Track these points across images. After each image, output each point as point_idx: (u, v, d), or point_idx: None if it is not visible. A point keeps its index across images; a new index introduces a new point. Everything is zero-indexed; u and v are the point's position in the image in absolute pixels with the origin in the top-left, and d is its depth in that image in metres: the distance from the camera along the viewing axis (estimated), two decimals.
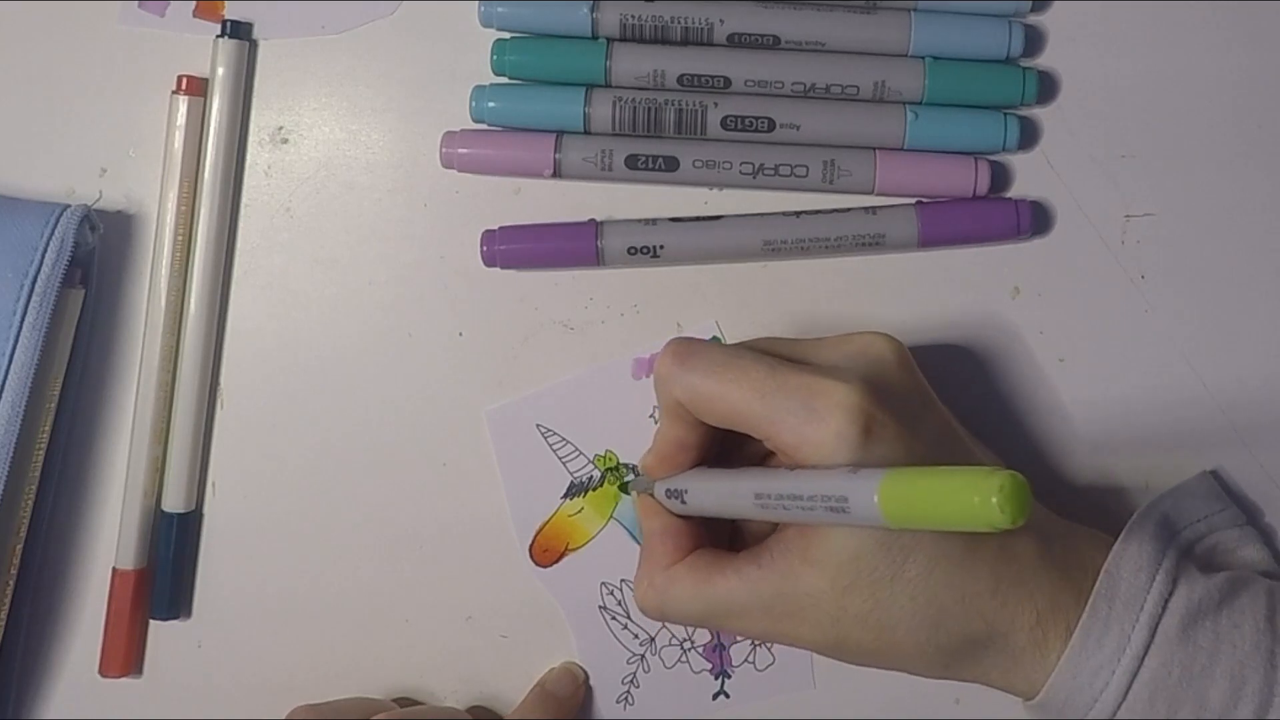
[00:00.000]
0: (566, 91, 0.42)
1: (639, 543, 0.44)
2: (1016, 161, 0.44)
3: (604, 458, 0.44)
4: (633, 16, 0.42)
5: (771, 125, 0.42)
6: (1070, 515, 0.39)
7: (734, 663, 0.44)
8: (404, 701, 0.44)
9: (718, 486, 0.37)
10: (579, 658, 0.44)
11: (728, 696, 0.44)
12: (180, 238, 0.43)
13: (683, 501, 0.38)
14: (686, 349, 0.37)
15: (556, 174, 0.43)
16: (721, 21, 0.42)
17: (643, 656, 0.44)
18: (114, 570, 0.44)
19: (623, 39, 0.42)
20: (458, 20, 0.44)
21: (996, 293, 0.44)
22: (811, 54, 0.42)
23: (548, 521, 0.44)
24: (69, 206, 0.42)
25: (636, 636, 0.44)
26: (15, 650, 0.43)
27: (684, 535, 0.38)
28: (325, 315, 0.45)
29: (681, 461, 0.39)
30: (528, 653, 0.44)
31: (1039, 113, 0.44)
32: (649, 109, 0.42)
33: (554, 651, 0.45)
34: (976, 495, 0.27)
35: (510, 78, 0.43)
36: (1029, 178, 0.44)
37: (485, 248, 0.43)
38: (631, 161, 0.42)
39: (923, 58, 0.42)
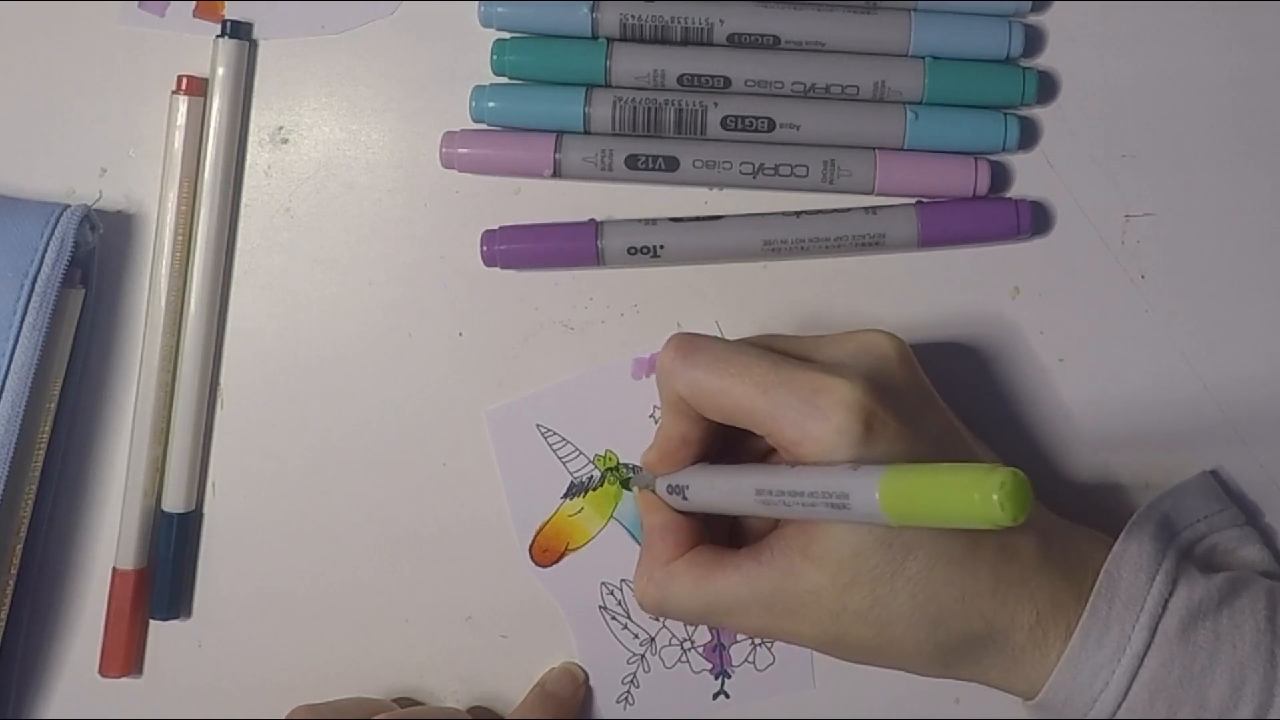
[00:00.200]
0: (566, 91, 0.42)
1: (639, 543, 0.44)
2: (1016, 161, 0.44)
3: (604, 458, 0.44)
4: (633, 16, 0.42)
5: (771, 125, 0.42)
6: (1070, 515, 0.39)
7: (734, 662, 0.44)
8: (404, 701, 0.44)
9: (719, 482, 0.37)
10: (579, 658, 0.44)
11: (728, 696, 0.44)
12: (180, 238, 0.43)
13: (684, 497, 0.38)
14: (689, 344, 0.37)
15: (556, 174, 0.43)
16: (721, 21, 0.42)
17: (643, 656, 0.44)
18: (114, 570, 0.44)
19: (623, 39, 0.42)
20: (458, 20, 0.44)
21: (996, 293, 0.44)
22: (811, 54, 0.42)
23: (548, 521, 0.44)
24: (69, 206, 0.42)
25: (637, 636, 0.44)
26: (15, 650, 0.43)
27: (684, 531, 0.39)
28: (325, 315, 0.44)
29: (683, 457, 0.39)
30: (528, 653, 0.44)
31: (1039, 113, 0.44)
32: (649, 109, 0.42)
33: (554, 651, 0.45)
34: (977, 492, 0.27)
35: (510, 78, 0.43)
36: (1029, 178, 0.44)
37: (485, 248, 0.43)
38: (631, 161, 0.42)
39: (923, 58, 0.42)
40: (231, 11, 0.44)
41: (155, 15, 0.45)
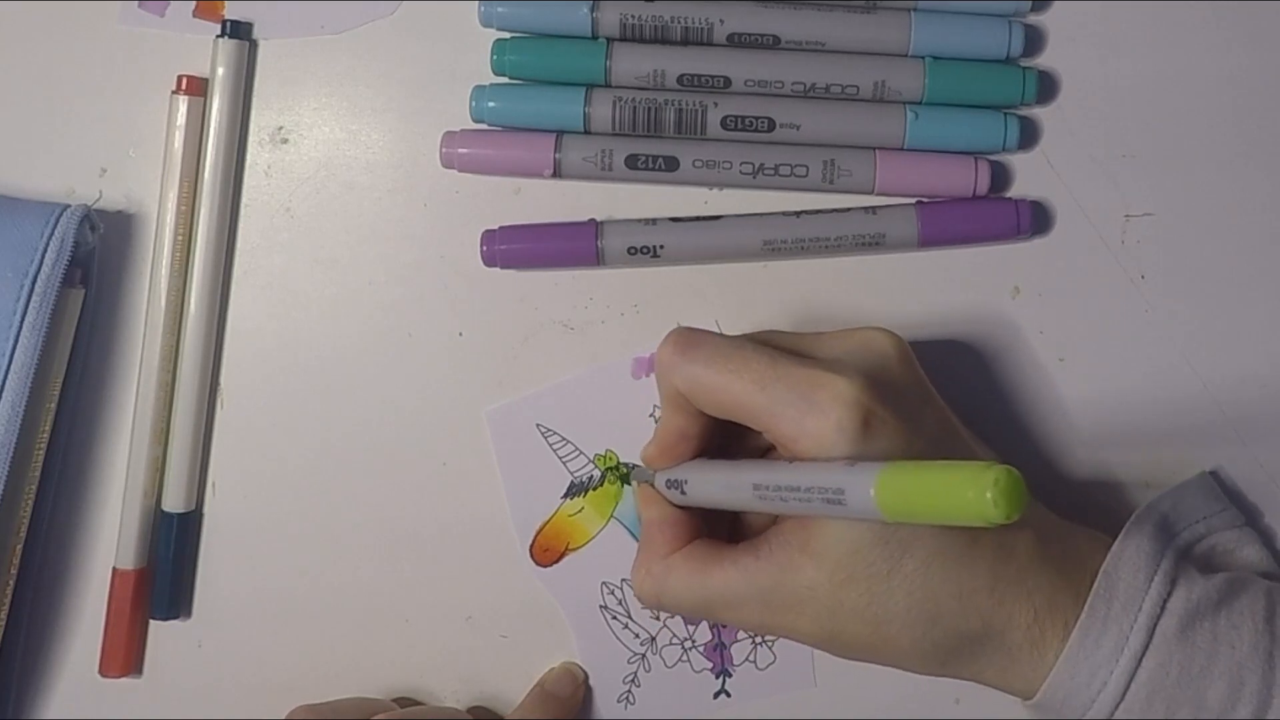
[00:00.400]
0: (566, 91, 0.42)
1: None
2: (1016, 161, 0.44)
3: (604, 457, 0.44)
4: (633, 16, 0.42)
5: (771, 125, 0.42)
6: (1070, 514, 0.39)
7: (735, 661, 0.44)
8: (404, 701, 0.44)
9: (717, 477, 0.37)
10: (580, 657, 0.44)
11: (729, 695, 0.44)
12: (180, 238, 0.43)
13: (682, 492, 0.38)
14: (688, 339, 0.37)
15: (556, 174, 0.43)
16: (721, 21, 0.42)
17: (644, 656, 0.44)
18: (114, 570, 0.44)
19: (623, 39, 0.42)
20: (458, 20, 0.44)
21: (996, 292, 0.44)
22: (811, 54, 0.42)
23: (548, 521, 0.44)
24: (69, 206, 0.42)
25: (637, 636, 0.44)
26: (15, 650, 0.43)
27: (683, 525, 0.39)
28: (325, 315, 0.45)
29: (682, 452, 0.39)
30: (528, 653, 0.44)
31: (1039, 113, 0.44)
32: (649, 109, 0.42)
33: (554, 651, 0.45)
34: (971, 490, 0.27)
35: (510, 78, 0.43)
36: (1029, 178, 0.44)
37: (485, 248, 0.43)
38: (631, 161, 0.42)
39: (923, 57, 0.42)
40: (231, 11, 0.44)
41: (155, 15, 0.45)
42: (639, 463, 0.43)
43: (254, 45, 0.44)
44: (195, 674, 0.45)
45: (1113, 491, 0.44)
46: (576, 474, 0.44)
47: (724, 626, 0.44)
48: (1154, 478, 0.44)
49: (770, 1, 0.42)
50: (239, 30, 0.44)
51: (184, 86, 0.43)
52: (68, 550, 0.44)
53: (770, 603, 0.36)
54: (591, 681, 0.44)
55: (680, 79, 0.42)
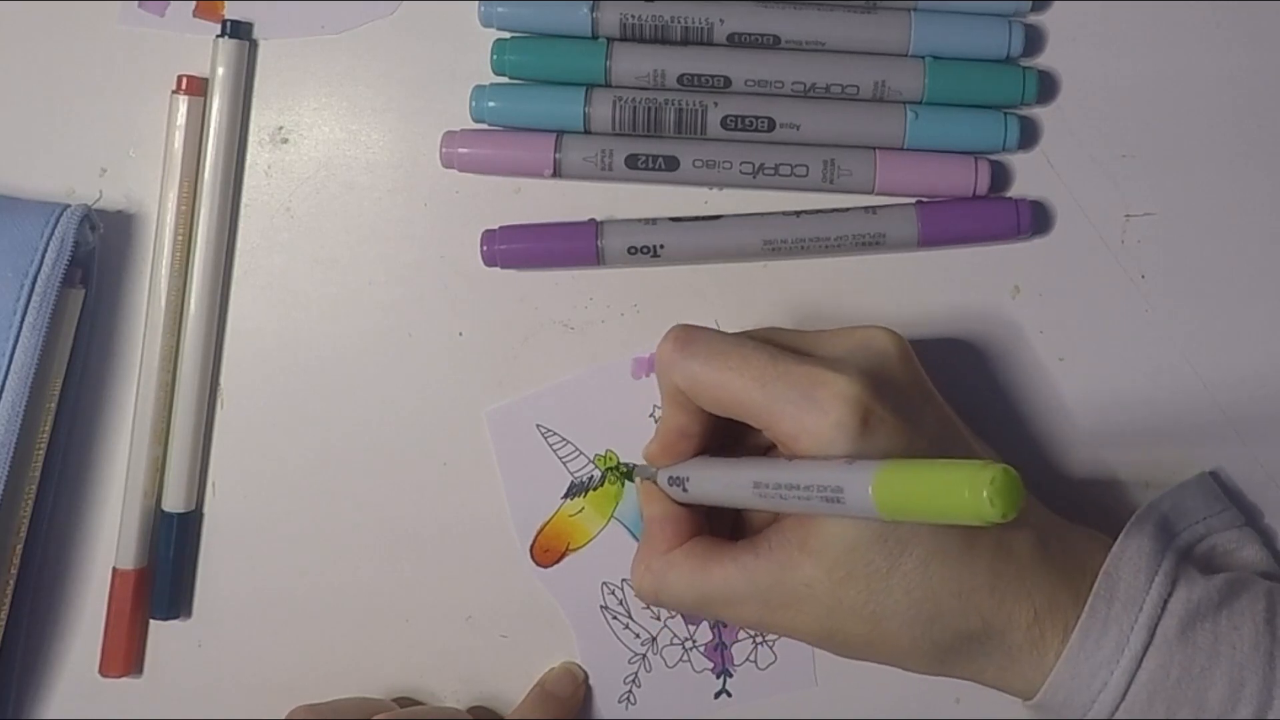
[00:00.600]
0: (566, 91, 0.42)
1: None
2: (1016, 161, 0.44)
3: (604, 457, 0.44)
4: (633, 16, 0.42)
5: (771, 125, 0.42)
6: (1070, 514, 0.39)
7: (736, 661, 0.44)
8: (404, 701, 0.44)
9: (718, 474, 0.37)
10: (580, 657, 0.44)
11: (729, 695, 0.44)
12: (180, 238, 0.43)
13: (684, 489, 0.38)
14: (688, 336, 0.37)
15: (556, 174, 0.43)
16: (721, 21, 0.42)
17: (644, 656, 0.44)
18: (114, 570, 0.44)
19: (623, 39, 0.42)
20: (458, 20, 0.44)
21: (996, 292, 0.44)
22: (811, 54, 0.42)
23: (548, 521, 0.44)
24: (69, 206, 0.42)
25: (638, 636, 0.44)
26: (15, 650, 0.43)
27: (684, 522, 0.39)
28: (325, 315, 0.45)
29: (683, 449, 0.39)
30: (528, 653, 0.44)
31: (1039, 113, 0.44)
32: (649, 109, 0.42)
33: (554, 651, 0.45)
34: (968, 489, 0.27)
35: (510, 78, 0.43)
36: (1029, 178, 0.44)
37: (485, 248, 0.43)
38: (631, 161, 0.42)
39: (923, 57, 0.42)
40: (231, 11, 0.44)
41: (155, 15, 0.45)
42: (640, 462, 0.43)
43: (254, 45, 0.44)
44: (195, 674, 0.45)
45: (1113, 491, 0.44)
46: (577, 474, 0.44)
47: (724, 625, 0.44)
48: (1154, 478, 0.44)
49: (770, 1, 0.42)
50: (239, 30, 0.44)
51: (184, 86, 0.43)
52: (68, 550, 0.44)
53: (769, 600, 0.36)
54: (592, 682, 0.44)
55: (680, 79, 0.42)
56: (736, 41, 0.42)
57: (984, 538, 0.35)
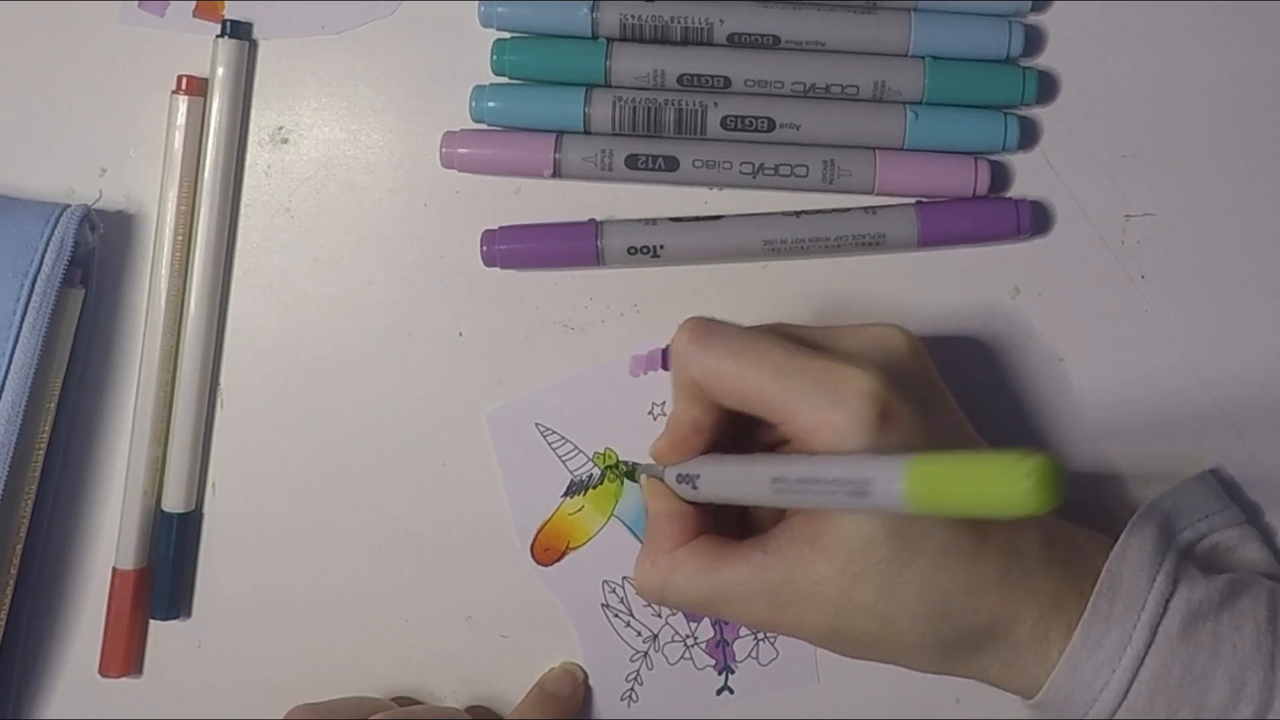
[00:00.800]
0: (566, 91, 0.42)
1: (640, 540, 0.44)
2: (1016, 161, 0.44)
3: (604, 455, 0.44)
4: (633, 16, 0.42)
5: (771, 125, 0.42)
6: (1071, 514, 0.39)
7: (738, 658, 0.44)
8: (404, 701, 0.44)
9: (732, 471, 0.36)
10: (582, 656, 0.44)
11: (731, 692, 0.44)
12: (180, 238, 0.43)
13: (694, 487, 0.37)
14: (705, 328, 0.36)
15: (556, 174, 0.43)
16: (721, 21, 0.42)
17: (646, 654, 0.44)
18: (114, 570, 0.44)
19: (623, 39, 0.42)
20: (458, 20, 0.44)
21: (996, 292, 0.44)
22: (811, 54, 0.42)
23: (548, 520, 0.44)
24: (69, 206, 0.42)
25: (639, 634, 0.44)
26: (15, 650, 0.43)
27: (691, 520, 0.38)
28: (325, 315, 0.44)
29: (694, 444, 0.38)
30: (528, 652, 0.44)
31: (1039, 113, 0.44)
32: (649, 109, 0.42)
33: (554, 651, 0.45)
34: (1010, 479, 0.26)
35: (510, 78, 0.43)
36: (1029, 178, 0.44)
37: (485, 248, 0.43)
38: (631, 161, 0.42)
39: (923, 58, 0.42)
40: (231, 11, 0.44)
41: (155, 15, 0.45)
42: (641, 460, 0.43)
43: (254, 45, 0.44)
44: (195, 674, 0.45)
45: (1114, 490, 0.44)
46: (576, 473, 0.44)
47: (726, 623, 0.44)
48: (1154, 477, 0.44)
49: (770, 1, 0.42)
50: (239, 30, 0.44)
51: (184, 86, 0.43)
52: (68, 550, 0.44)
53: (777, 598, 0.36)
54: (594, 680, 0.44)
55: (680, 79, 0.42)
56: (736, 41, 0.42)
57: (994, 535, 0.35)
